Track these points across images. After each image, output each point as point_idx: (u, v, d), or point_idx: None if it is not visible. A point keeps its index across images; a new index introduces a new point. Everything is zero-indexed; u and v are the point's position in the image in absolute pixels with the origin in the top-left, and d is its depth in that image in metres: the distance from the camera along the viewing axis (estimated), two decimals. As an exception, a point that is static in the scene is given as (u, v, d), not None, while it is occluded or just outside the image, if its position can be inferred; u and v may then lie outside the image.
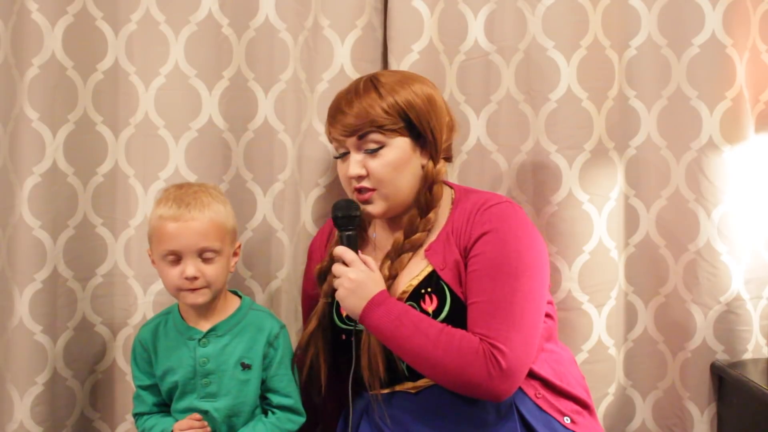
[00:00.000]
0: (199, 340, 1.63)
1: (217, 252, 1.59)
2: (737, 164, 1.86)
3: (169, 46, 1.83)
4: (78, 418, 1.86)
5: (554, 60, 1.85)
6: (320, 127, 1.87)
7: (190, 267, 1.57)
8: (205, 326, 1.64)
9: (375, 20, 1.90)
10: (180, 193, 1.61)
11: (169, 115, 1.84)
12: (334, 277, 1.55)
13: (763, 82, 1.90)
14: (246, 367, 1.62)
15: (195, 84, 1.84)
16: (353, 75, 1.85)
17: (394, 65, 1.88)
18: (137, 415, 1.70)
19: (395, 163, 1.56)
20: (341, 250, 1.54)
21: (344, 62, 1.87)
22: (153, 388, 1.68)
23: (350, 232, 1.56)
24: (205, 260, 1.58)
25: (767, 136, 1.90)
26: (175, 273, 1.58)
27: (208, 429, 1.60)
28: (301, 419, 1.66)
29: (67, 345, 1.82)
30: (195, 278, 1.57)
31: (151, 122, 1.84)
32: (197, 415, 1.60)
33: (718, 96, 1.85)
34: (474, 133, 1.92)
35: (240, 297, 1.70)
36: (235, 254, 1.66)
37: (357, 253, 1.55)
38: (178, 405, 1.64)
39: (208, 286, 1.59)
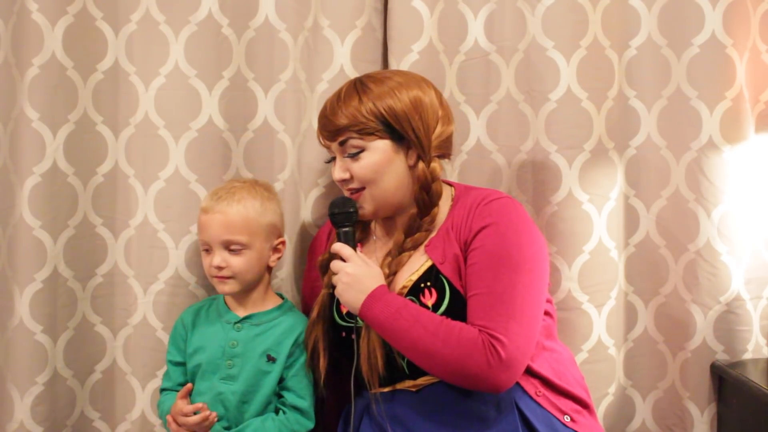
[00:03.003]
0: (234, 323, 1.69)
1: (243, 245, 1.66)
2: (737, 164, 1.86)
3: (169, 46, 1.83)
4: (78, 417, 1.86)
5: (554, 60, 1.85)
6: (320, 127, 1.87)
7: (216, 257, 1.66)
8: (243, 313, 1.71)
9: (375, 20, 1.91)
10: (221, 187, 1.71)
11: (169, 115, 1.84)
12: (333, 273, 1.57)
13: (763, 82, 1.90)
14: (271, 359, 1.66)
15: (195, 84, 1.84)
16: (353, 75, 1.86)
17: (394, 65, 1.88)
18: (162, 391, 1.75)
19: (375, 165, 1.59)
20: (338, 247, 1.58)
21: (344, 62, 1.87)
22: (181, 367, 1.72)
23: (347, 229, 1.60)
24: (232, 252, 1.66)
25: (767, 136, 1.90)
26: (207, 262, 1.68)
27: (209, 418, 1.61)
28: (310, 424, 1.68)
29: (67, 345, 1.82)
30: (220, 267, 1.65)
31: (151, 122, 1.84)
32: (200, 405, 1.61)
33: (718, 96, 1.85)
34: (474, 133, 1.92)
35: (283, 299, 1.76)
36: (276, 250, 1.73)
37: (355, 249, 1.58)
38: (200, 386, 1.67)
39: (233, 276, 1.66)
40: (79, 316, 1.85)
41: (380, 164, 1.59)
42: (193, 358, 1.70)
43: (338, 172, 1.62)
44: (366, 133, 1.58)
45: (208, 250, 1.68)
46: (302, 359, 1.68)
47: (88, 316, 1.86)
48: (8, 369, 1.78)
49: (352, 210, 1.60)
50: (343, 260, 1.56)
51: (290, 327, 1.70)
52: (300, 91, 1.90)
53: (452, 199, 1.65)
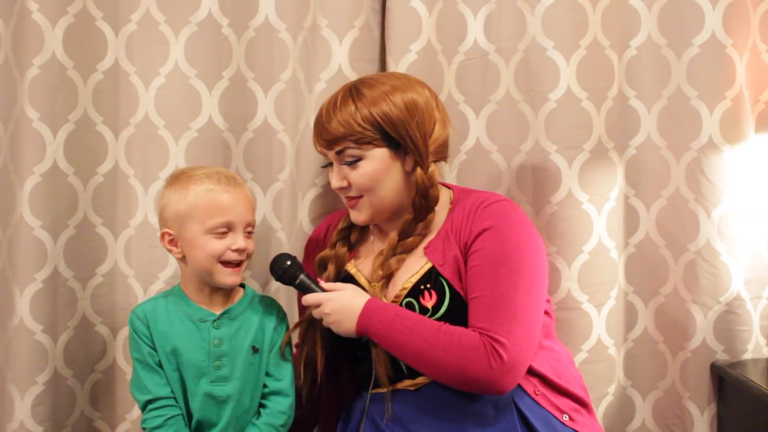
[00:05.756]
0: (213, 321, 1.61)
1: (253, 228, 1.63)
2: (737, 164, 1.86)
3: (169, 46, 1.84)
4: (78, 417, 1.86)
5: (554, 60, 1.85)
6: (318, 127, 1.88)
7: (241, 239, 1.58)
8: (216, 309, 1.63)
9: (372, 21, 1.91)
10: (207, 171, 1.61)
11: (169, 115, 1.84)
12: (320, 319, 1.58)
13: (763, 82, 1.90)
14: (256, 350, 1.62)
15: (195, 84, 1.84)
16: (351, 75, 1.86)
17: (392, 65, 1.88)
18: (149, 402, 1.59)
19: (373, 174, 1.57)
20: (308, 299, 1.59)
21: (342, 62, 1.88)
22: (156, 370, 1.61)
23: (299, 280, 1.61)
24: (247, 235, 1.60)
25: (767, 136, 1.90)
26: (220, 246, 1.57)
27: None
28: (289, 399, 1.64)
29: (67, 345, 1.82)
30: (242, 251, 1.58)
31: (151, 122, 1.84)
32: None
33: (718, 96, 1.86)
34: (473, 134, 1.92)
35: (242, 286, 1.70)
36: None
37: (317, 282, 1.59)
38: (195, 389, 1.60)
39: (247, 258, 1.61)
40: (79, 315, 1.85)
41: (378, 173, 1.58)
42: (173, 359, 1.59)
43: (336, 180, 1.60)
44: (363, 142, 1.56)
45: (224, 233, 1.57)
46: (279, 342, 1.64)
47: (88, 316, 1.86)
48: (8, 369, 1.78)
49: (289, 263, 1.61)
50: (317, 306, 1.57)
51: (266, 312, 1.65)
52: (299, 91, 1.90)
53: (451, 202, 1.65)
